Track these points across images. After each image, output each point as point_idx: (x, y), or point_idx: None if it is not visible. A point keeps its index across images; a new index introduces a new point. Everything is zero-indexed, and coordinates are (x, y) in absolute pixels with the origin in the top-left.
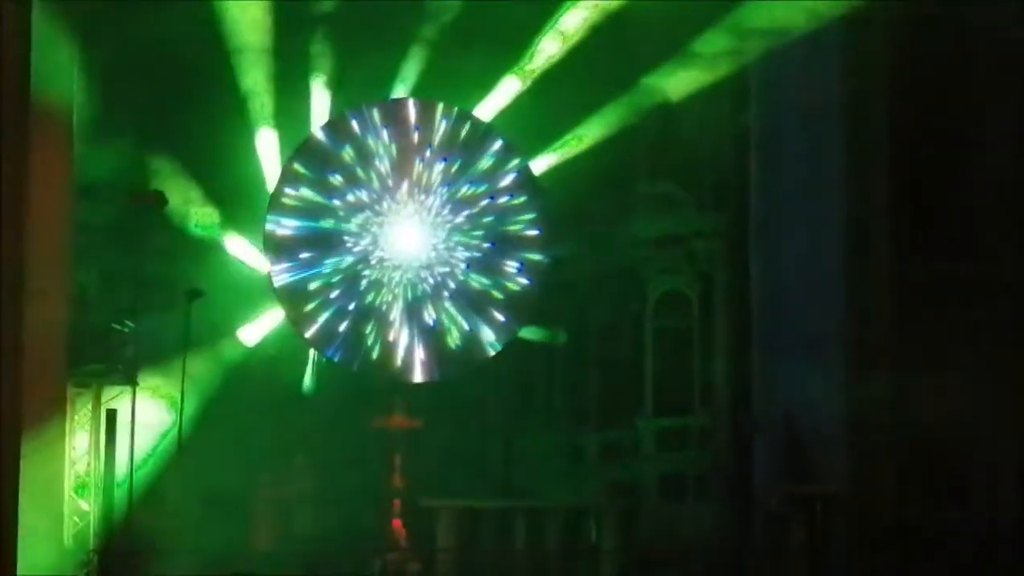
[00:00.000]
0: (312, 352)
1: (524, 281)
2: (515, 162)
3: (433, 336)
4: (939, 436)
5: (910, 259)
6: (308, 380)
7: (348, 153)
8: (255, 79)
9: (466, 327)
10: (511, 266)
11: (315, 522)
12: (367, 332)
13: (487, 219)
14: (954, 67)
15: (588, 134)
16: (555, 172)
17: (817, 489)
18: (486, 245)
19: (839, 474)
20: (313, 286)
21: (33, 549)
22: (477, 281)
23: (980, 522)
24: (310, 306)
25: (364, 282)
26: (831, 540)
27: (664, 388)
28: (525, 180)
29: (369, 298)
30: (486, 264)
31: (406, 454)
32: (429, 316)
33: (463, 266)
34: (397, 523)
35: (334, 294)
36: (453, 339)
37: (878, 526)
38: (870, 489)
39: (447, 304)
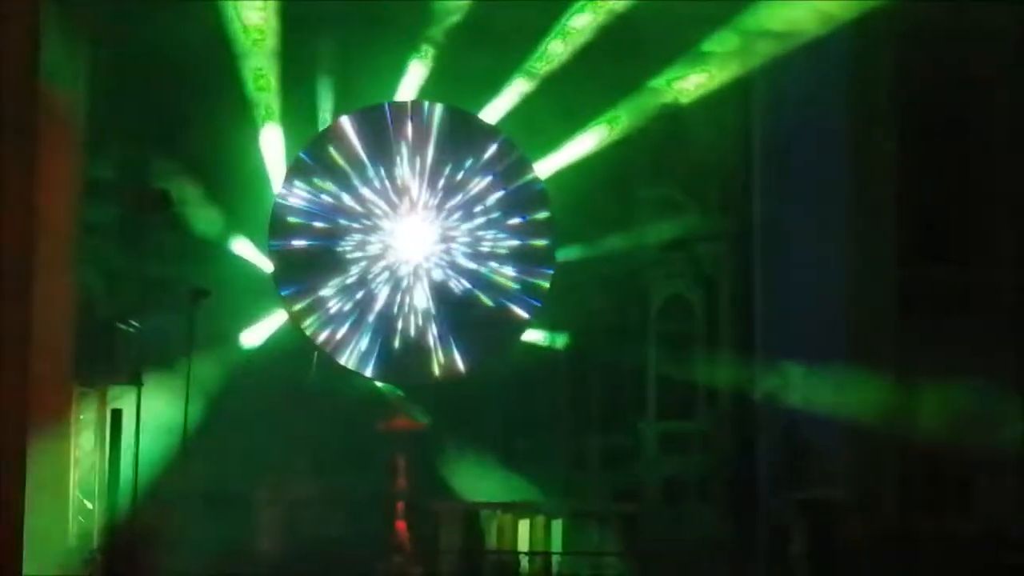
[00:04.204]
0: (315, 354)
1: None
2: (522, 166)
3: (439, 338)
4: (943, 442)
5: (917, 264)
6: (311, 381)
7: (354, 154)
8: (260, 80)
9: (471, 330)
10: (509, 272)
11: (319, 524)
12: (372, 334)
13: (496, 221)
14: (964, 72)
15: (592, 136)
16: (560, 175)
17: (820, 494)
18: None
19: (842, 480)
20: (321, 292)
21: (38, 548)
22: (486, 283)
23: (983, 529)
24: (318, 311)
25: (371, 285)
26: (834, 546)
27: (667, 392)
28: (532, 184)
29: (377, 301)
30: (495, 267)
31: (410, 456)
32: (435, 319)
33: (482, 267)
34: (401, 525)
35: (342, 296)
36: (458, 341)
37: (881, 532)
38: (873, 495)
39: (452, 308)
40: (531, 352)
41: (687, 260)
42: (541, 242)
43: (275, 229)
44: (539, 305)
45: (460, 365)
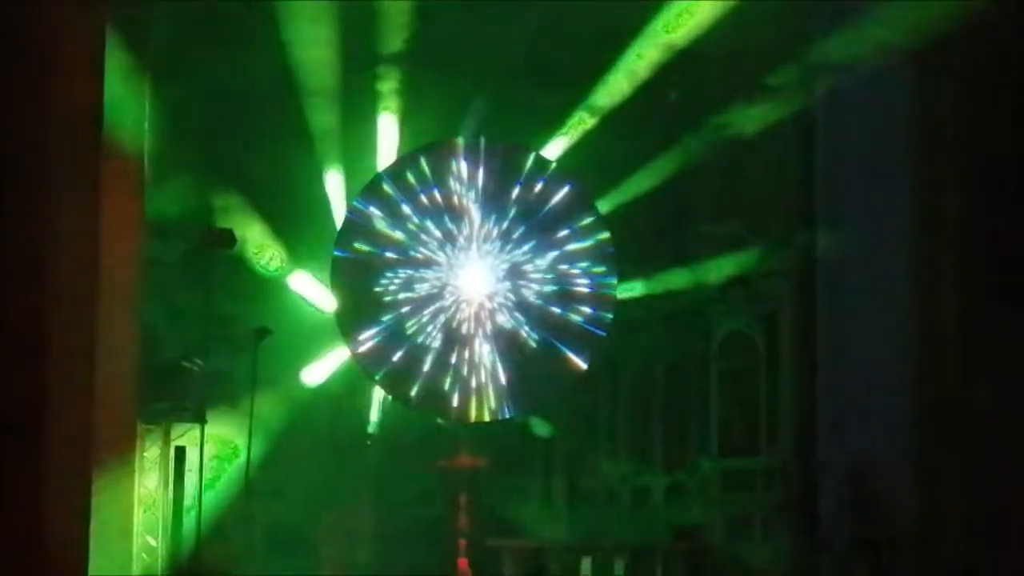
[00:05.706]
0: (377, 391)
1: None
2: (585, 203)
3: (500, 375)
4: (1007, 482)
5: (981, 301)
6: (373, 419)
7: (416, 192)
8: (323, 118)
9: (534, 367)
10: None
11: (380, 562)
12: (434, 371)
13: (560, 263)
14: None
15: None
16: (621, 211)
17: (883, 532)
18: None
19: (906, 517)
20: (383, 330)
21: None
22: (547, 320)
23: None
24: (379, 348)
25: (434, 323)
26: None
27: (729, 429)
28: (596, 221)
29: (439, 336)
30: (556, 304)
31: (472, 494)
32: (497, 356)
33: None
34: (463, 563)
35: (405, 333)
36: (520, 378)
37: (943, 570)
38: (937, 533)
39: (514, 347)
40: (592, 389)
41: (748, 296)
42: (604, 280)
43: (337, 266)
44: (602, 342)
45: (522, 403)
